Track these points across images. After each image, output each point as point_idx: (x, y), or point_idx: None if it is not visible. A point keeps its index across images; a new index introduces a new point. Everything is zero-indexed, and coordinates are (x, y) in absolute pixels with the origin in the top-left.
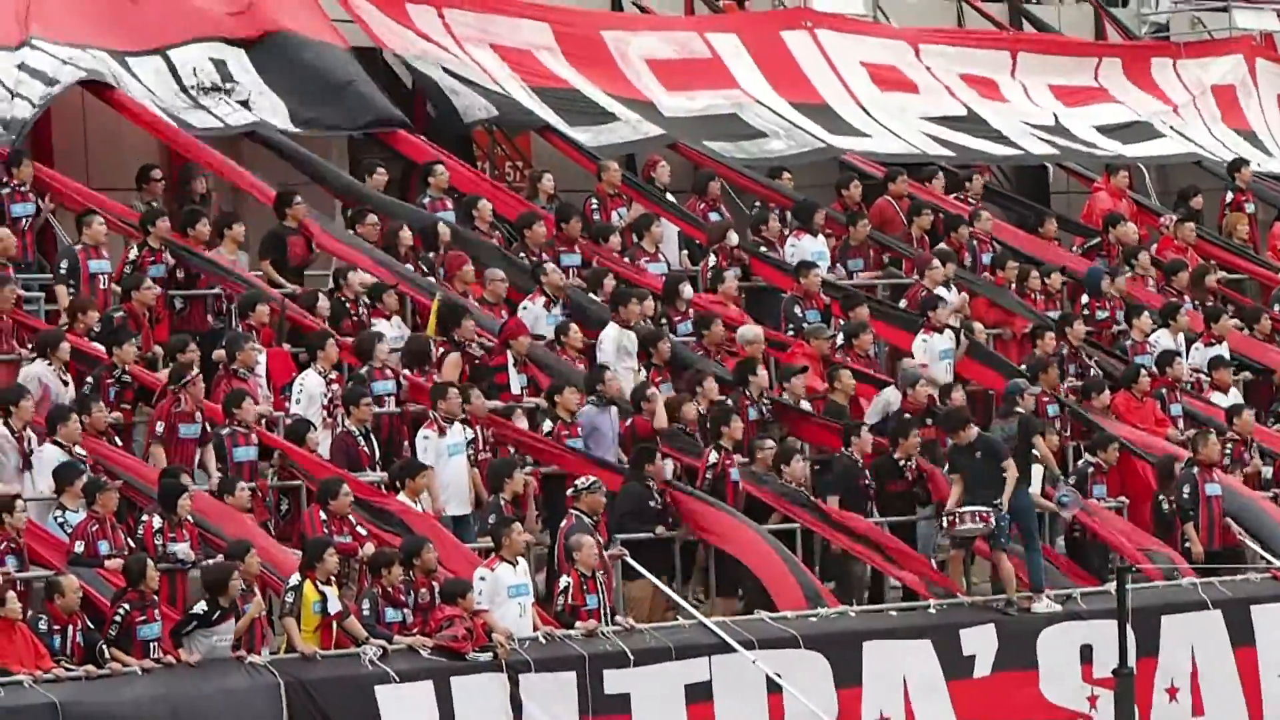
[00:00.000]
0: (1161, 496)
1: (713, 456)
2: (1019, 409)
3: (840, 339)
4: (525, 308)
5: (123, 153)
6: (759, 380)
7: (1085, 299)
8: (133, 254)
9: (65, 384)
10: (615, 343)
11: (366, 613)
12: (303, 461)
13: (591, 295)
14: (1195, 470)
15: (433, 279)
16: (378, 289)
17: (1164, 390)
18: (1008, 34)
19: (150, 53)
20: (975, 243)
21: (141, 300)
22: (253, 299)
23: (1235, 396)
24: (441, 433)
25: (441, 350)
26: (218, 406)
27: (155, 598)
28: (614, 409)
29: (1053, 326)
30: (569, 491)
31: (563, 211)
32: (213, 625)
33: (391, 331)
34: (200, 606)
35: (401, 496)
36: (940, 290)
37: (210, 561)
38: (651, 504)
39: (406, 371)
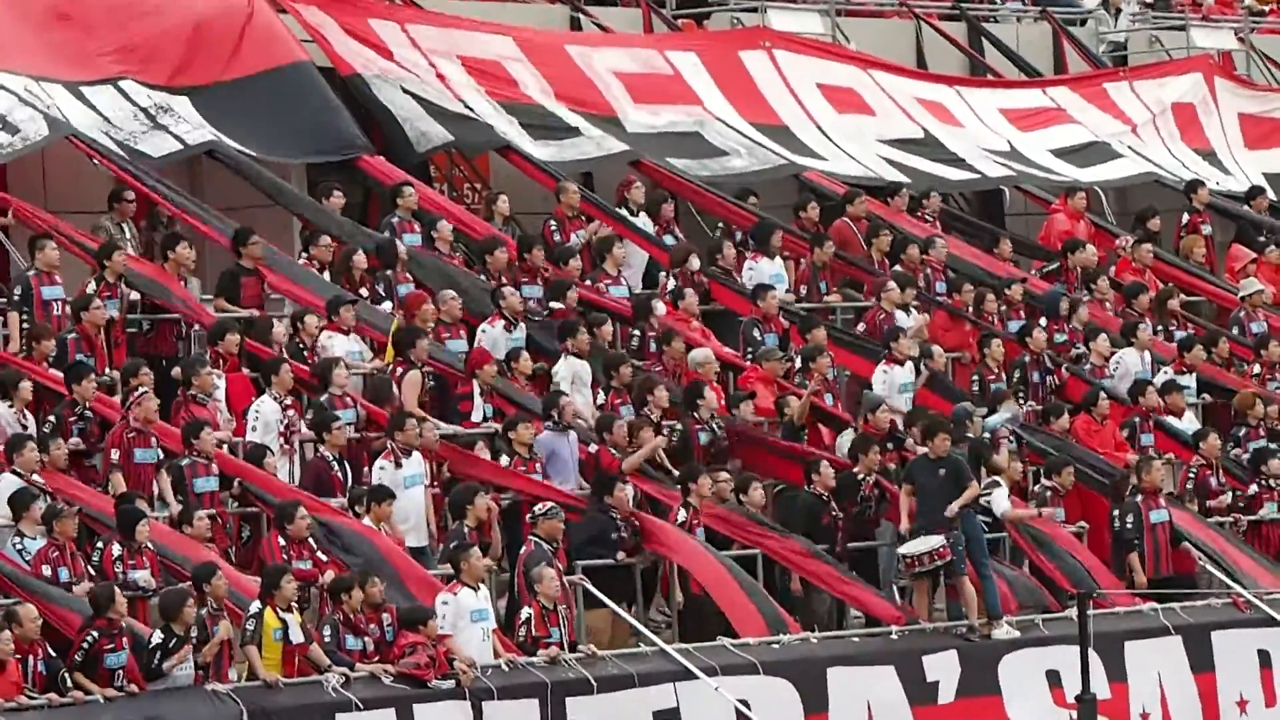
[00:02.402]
0: (1116, 513)
1: (681, 515)
2: (968, 435)
3: (798, 363)
4: (484, 330)
5: (82, 176)
6: (708, 403)
7: (1044, 322)
8: (90, 288)
9: (25, 427)
10: (569, 374)
11: (328, 639)
12: (264, 485)
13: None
14: (1139, 498)
15: (389, 303)
16: (335, 303)
17: (1136, 419)
18: (955, 76)
19: (103, 82)
20: (929, 270)
21: (92, 321)
22: (223, 328)
23: (1191, 420)
24: (398, 464)
25: (400, 371)
26: (175, 431)
27: (124, 625)
28: (572, 434)
29: (1000, 335)
30: (527, 517)
31: (525, 242)
32: (171, 654)
33: (349, 346)
34: (157, 636)
35: (366, 520)
36: (899, 314)
37: (164, 588)
38: (614, 535)
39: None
